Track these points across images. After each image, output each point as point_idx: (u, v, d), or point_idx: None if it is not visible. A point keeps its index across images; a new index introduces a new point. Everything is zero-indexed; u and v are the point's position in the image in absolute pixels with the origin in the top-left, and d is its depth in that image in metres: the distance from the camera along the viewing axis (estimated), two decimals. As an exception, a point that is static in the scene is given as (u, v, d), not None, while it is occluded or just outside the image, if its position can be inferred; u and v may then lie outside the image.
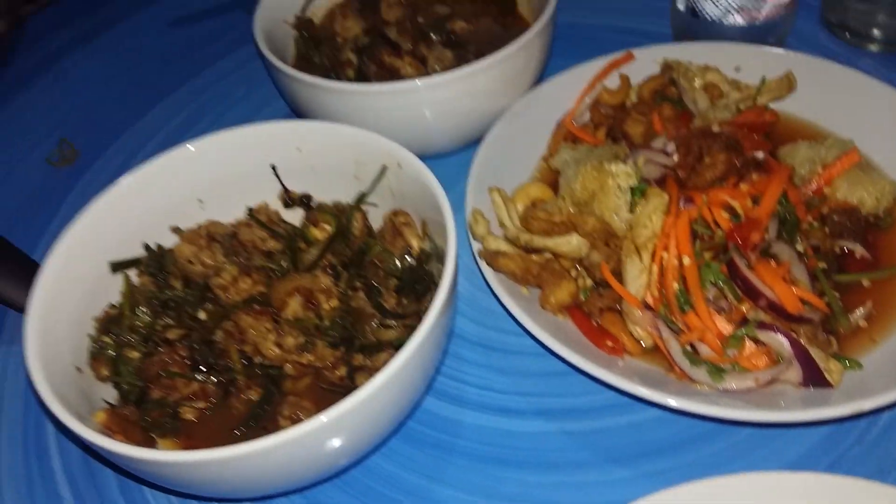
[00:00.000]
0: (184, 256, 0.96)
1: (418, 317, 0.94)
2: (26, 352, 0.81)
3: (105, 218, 0.96)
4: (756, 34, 1.31)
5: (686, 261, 0.93)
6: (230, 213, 1.07)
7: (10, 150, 1.43)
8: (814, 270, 0.97)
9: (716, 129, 1.01)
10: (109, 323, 0.92)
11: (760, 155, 1.05)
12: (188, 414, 0.91)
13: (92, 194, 1.30)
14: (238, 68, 1.53)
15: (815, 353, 0.89)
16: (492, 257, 0.97)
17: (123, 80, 1.55)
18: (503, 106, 1.19)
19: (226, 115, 1.43)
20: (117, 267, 0.97)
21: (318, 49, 1.28)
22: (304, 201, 1.09)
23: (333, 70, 1.26)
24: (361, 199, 1.02)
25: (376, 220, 1.06)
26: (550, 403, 0.97)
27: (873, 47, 1.38)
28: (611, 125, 1.20)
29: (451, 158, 1.27)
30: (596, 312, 0.98)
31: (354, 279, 0.96)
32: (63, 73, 1.59)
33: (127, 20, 1.72)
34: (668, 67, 1.21)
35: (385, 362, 0.89)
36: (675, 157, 0.99)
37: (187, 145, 1.01)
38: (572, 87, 1.24)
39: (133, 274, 1.00)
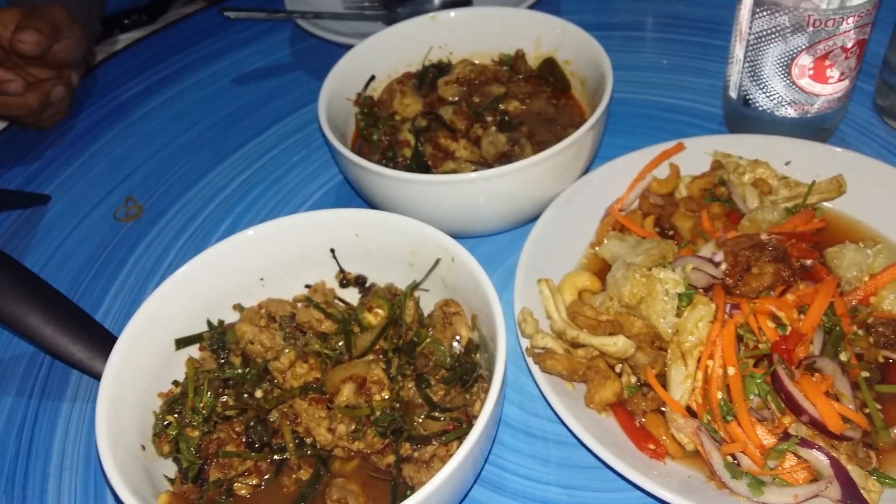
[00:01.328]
0: (245, 337, 1.00)
1: (464, 410, 0.98)
2: (98, 437, 0.86)
3: (173, 298, 1.01)
4: (808, 124, 1.33)
5: (731, 371, 0.95)
6: (289, 290, 1.12)
7: (78, 202, 1.50)
8: (856, 379, 0.99)
9: (764, 237, 1.03)
10: (173, 403, 0.97)
11: (808, 262, 1.07)
12: (242, 490, 0.96)
13: (156, 253, 1.38)
14: (297, 131, 1.59)
15: (854, 472, 0.91)
16: (540, 358, 1.00)
17: (188, 136, 1.62)
18: (555, 193, 1.22)
19: (283, 180, 1.48)
20: (181, 343, 1.02)
21: (377, 126, 1.33)
22: (359, 282, 1.13)
23: (391, 148, 1.30)
24: (414, 288, 1.06)
25: (427, 304, 1.09)
26: (590, 498, 0.99)
27: (925, 138, 1.39)
28: (659, 215, 1.23)
29: (500, 234, 1.31)
30: (640, 413, 1.00)
31: (405, 367, 1.00)
32: (131, 126, 1.66)
33: (194, 74, 1.80)
34: (718, 165, 1.23)
35: (431, 454, 0.94)
36: (723, 266, 1.01)
37: (249, 231, 1.06)
38: (622, 175, 1.26)
39: (195, 348, 1.05)
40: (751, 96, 1.33)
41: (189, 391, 0.96)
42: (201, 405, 0.95)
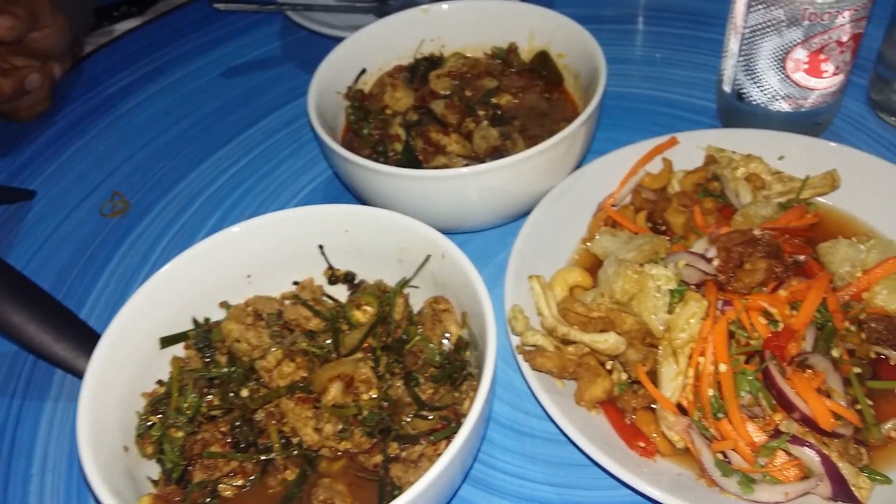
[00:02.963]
0: (231, 336, 0.99)
1: (453, 408, 0.97)
2: (79, 438, 0.84)
3: (158, 296, 1.00)
4: (802, 119, 1.32)
5: (722, 368, 0.94)
6: (277, 286, 1.10)
7: (64, 198, 1.48)
8: (847, 375, 0.98)
9: (757, 233, 1.02)
10: (157, 403, 0.95)
11: (801, 258, 1.06)
12: (227, 491, 0.94)
13: (143, 249, 1.36)
14: (286, 125, 1.57)
15: (845, 469, 0.90)
16: (530, 356, 0.98)
17: (176, 130, 1.60)
18: (547, 188, 1.21)
19: (272, 174, 1.46)
20: (166, 342, 1.01)
21: (368, 121, 1.31)
22: (347, 279, 1.12)
23: (381, 142, 1.29)
24: (403, 285, 1.04)
25: (417, 301, 1.08)
26: (580, 496, 0.98)
27: (919, 132, 1.38)
28: (652, 210, 1.21)
29: (491, 230, 1.30)
30: (630, 410, 0.99)
31: (393, 366, 0.99)
32: (118, 120, 1.64)
33: (182, 67, 1.77)
34: (711, 160, 1.22)
35: (420, 454, 0.93)
36: (716, 262, 1.00)
37: (234, 228, 1.04)
38: (614, 170, 1.25)
39: (180, 347, 1.03)
40: (745, 90, 1.31)
41: (173, 391, 0.94)
42: (186, 405, 0.93)
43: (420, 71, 1.42)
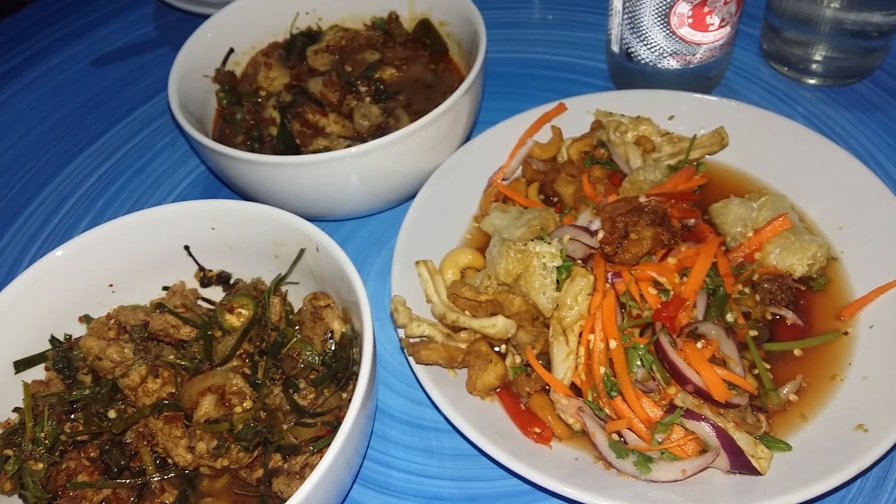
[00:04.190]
0: (91, 353, 0.91)
1: (339, 411, 0.91)
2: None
3: (8, 315, 0.91)
4: (693, 74, 1.29)
5: (612, 344, 0.91)
6: (146, 294, 1.02)
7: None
8: (744, 339, 0.96)
9: (643, 199, 0.98)
10: (12, 434, 0.87)
11: (691, 222, 1.03)
12: (100, 522, 0.87)
13: (10, 260, 1.26)
14: (162, 113, 1.47)
15: (743, 439, 0.87)
16: (414, 349, 0.93)
17: (42, 128, 1.48)
18: (435, 164, 1.15)
19: (148, 168, 1.37)
20: (21, 366, 0.92)
21: (240, 105, 1.22)
22: (221, 279, 1.04)
23: (256, 127, 1.20)
24: (279, 282, 0.98)
25: (297, 298, 1.01)
26: (481, 489, 0.94)
27: (811, 81, 1.36)
28: (543, 182, 1.17)
29: (384, 213, 1.23)
30: (524, 394, 0.95)
31: (271, 370, 0.93)
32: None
33: (48, 58, 1.64)
34: (598, 126, 1.18)
35: (303, 464, 0.87)
36: (601, 234, 0.96)
37: (88, 234, 0.96)
38: (504, 142, 1.20)
39: (41, 369, 0.95)
40: (632, 49, 1.27)
41: (27, 420, 0.86)
42: (42, 434, 0.85)
43: (297, 47, 1.33)
